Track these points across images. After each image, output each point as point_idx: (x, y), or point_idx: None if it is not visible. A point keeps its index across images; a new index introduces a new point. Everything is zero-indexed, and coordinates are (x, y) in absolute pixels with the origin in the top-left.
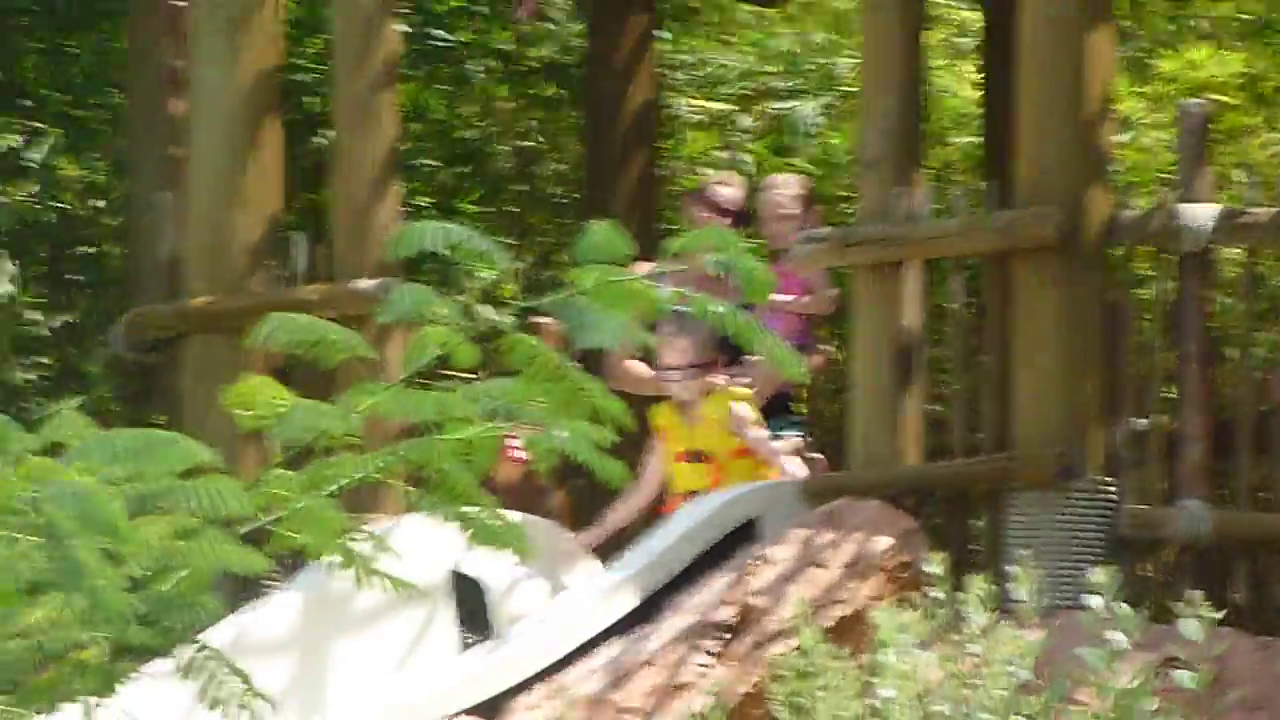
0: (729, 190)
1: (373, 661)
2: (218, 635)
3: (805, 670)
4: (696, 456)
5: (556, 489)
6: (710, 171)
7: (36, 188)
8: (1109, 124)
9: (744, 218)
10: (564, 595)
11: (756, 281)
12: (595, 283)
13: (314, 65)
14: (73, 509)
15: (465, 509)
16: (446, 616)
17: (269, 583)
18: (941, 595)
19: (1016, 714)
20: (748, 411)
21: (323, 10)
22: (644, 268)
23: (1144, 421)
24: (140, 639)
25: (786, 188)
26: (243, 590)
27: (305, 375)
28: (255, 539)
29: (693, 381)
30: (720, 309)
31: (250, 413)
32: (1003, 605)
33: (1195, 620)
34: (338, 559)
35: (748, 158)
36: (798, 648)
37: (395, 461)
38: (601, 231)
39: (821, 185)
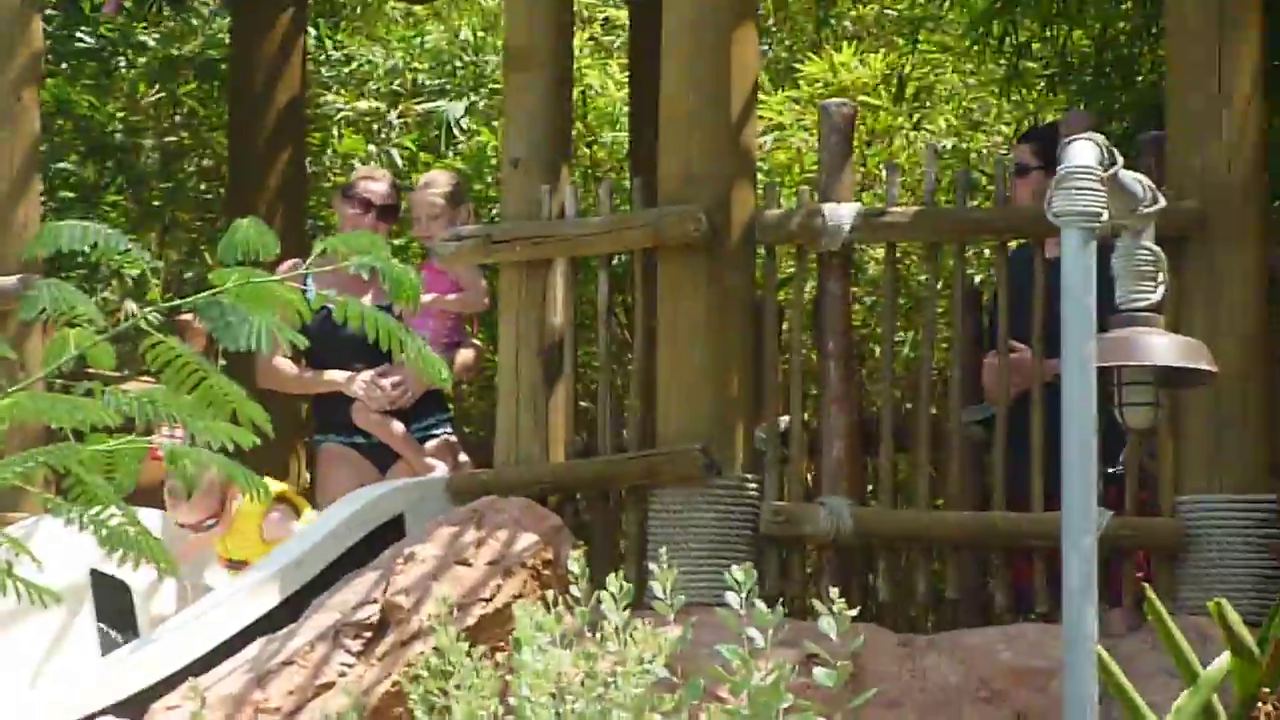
0: (377, 185)
1: (12, 661)
2: None
3: (442, 669)
4: (236, 565)
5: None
6: (358, 166)
7: None
8: (753, 124)
9: (392, 212)
10: (207, 594)
11: (403, 285)
12: (236, 283)
13: None
14: None
15: (103, 517)
16: (88, 616)
17: None
18: (581, 593)
19: (652, 711)
20: (283, 519)
21: None
22: (288, 265)
23: (787, 419)
24: None
25: (437, 185)
26: None
27: None
28: None
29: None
30: (364, 311)
31: None
32: (645, 603)
33: (832, 617)
34: None
35: (396, 154)
36: (436, 647)
37: (35, 468)
38: (246, 229)
39: (471, 183)
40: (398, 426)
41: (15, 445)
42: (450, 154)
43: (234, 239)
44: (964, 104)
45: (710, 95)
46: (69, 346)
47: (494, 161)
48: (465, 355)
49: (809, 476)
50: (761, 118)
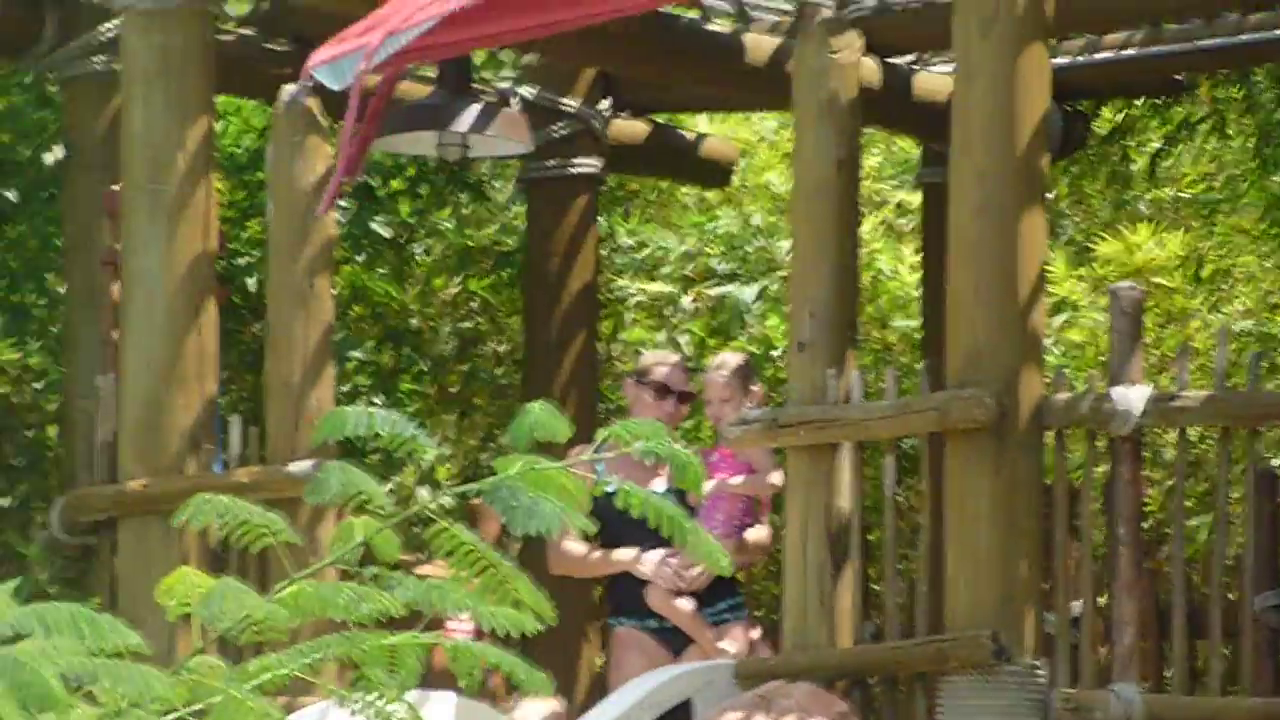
0: (667, 369)
1: None
2: None
3: None
4: None
5: (494, 668)
6: (644, 352)
7: None
8: (1041, 307)
9: (686, 397)
10: None
11: (687, 470)
12: (521, 469)
13: (252, 249)
14: (7, 677)
15: (387, 709)
16: None
17: None
18: None
19: None
20: None
21: (260, 195)
22: (575, 451)
23: (1079, 604)
24: None
25: (726, 366)
26: None
27: (243, 564)
28: None
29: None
30: (646, 497)
31: (175, 601)
32: None
33: None
34: None
35: (684, 340)
36: None
37: (321, 658)
38: (538, 412)
39: (761, 366)
40: (688, 607)
41: (309, 633)
42: (741, 338)
43: (525, 422)
44: (1261, 286)
45: (997, 278)
46: (355, 534)
47: (772, 345)
48: (758, 534)
49: (1100, 663)
50: (1054, 294)
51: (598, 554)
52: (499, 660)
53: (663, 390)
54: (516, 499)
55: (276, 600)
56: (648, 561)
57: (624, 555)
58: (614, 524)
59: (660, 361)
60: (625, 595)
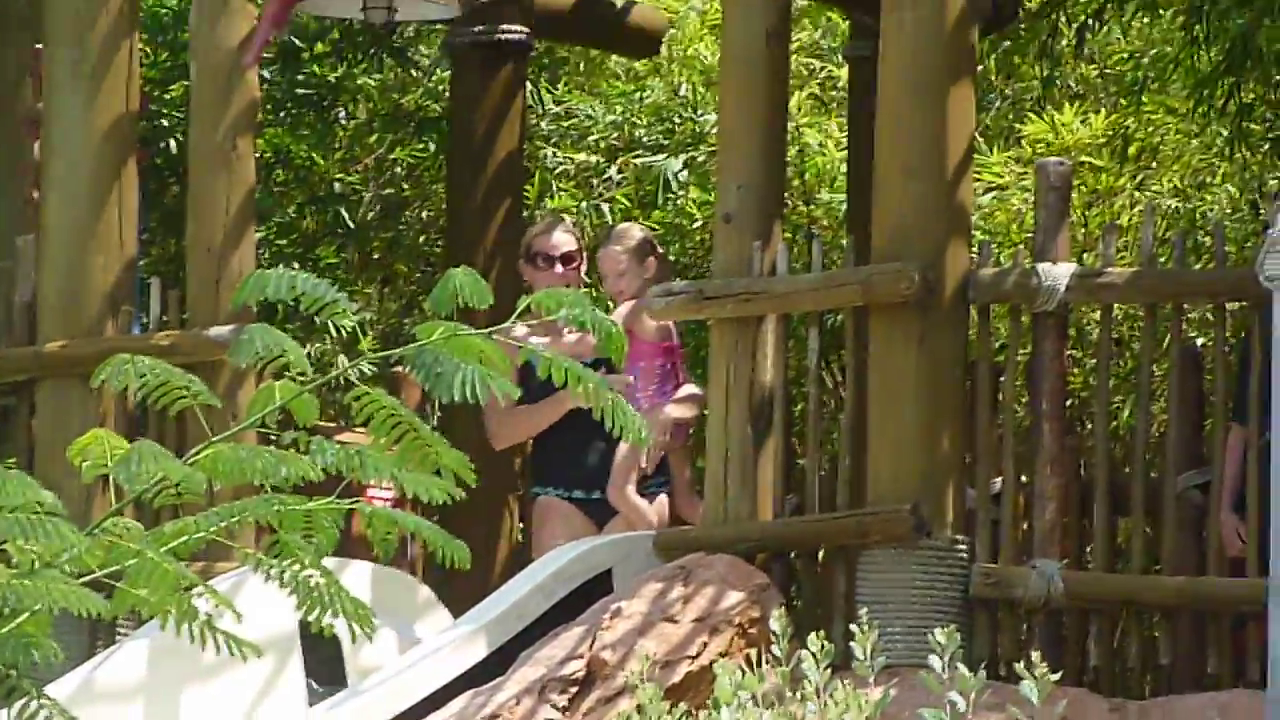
0: (542, 237)
1: (221, 710)
2: (66, 683)
3: None
4: None
5: (415, 537)
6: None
7: None
8: (969, 182)
9: (568, 258)
10: (415, 647)
11: (611, 338)
12: (442, 334)
13: (175, 111)
14: None
15: (301, 575)
16: (296, 666)
17: (122, 631)
18: (782, 652)
19: None
20: None
21: (184, 55)
22: (520, 330)
23: (999, 480)
24: None
25: (620, 240)
26: (95, 639)
27: (161, 427)
28: (99, 591)
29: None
30: (568, 366)
31: (90, 462)
32: (848, 664)
33: (1034, 681)
34: (176, 618)
35: (607, 209)
36: (638, 704)
37: (238, 521)
38: (460, 279)
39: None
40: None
41: (228, 499)
42: (668, 209)
43: (447, 289)
44: (1189, 165)
45: (925, 152)
46: (274, 397)
47: (699, 219)
48: (680, 410)
49: (1021, 539)
50: (981, 178)
51: (542, 403)
52: (416, 526)
53: (546, 259)
54: (439, 365)
55: (194, 463)
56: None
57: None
58: (534, 396)
59: (537, 232)
60: (551, 464)
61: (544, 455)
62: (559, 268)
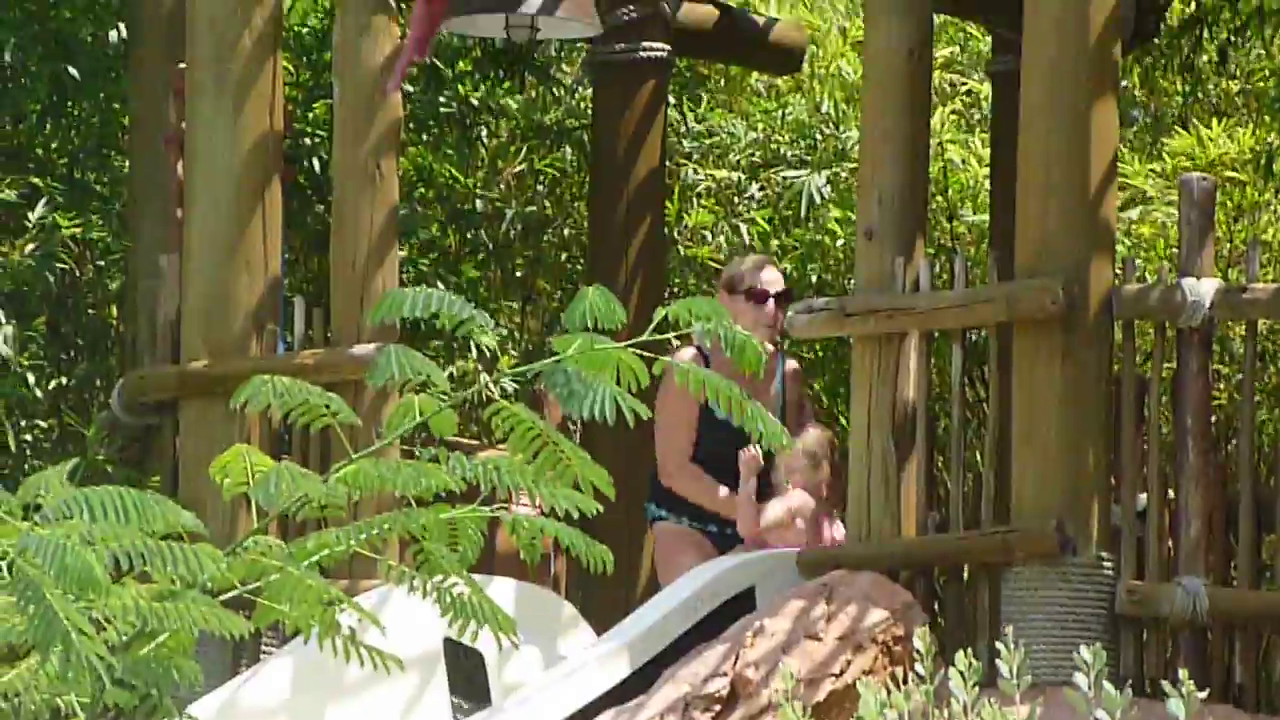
0: (770, 274)
1: None
2: (210, 702)
3: None
4: None
5: (559, 555)
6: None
7: (33, 246)
8: (1112, 197)
9: (784, 297)
10: (559, 664)
11: (746, 352)
12: (578, 348)
13: (318, 130)
14: (50, 563)
15: (445, 585)
16: (440, 685)
17: (267, 649)
18: (925, 670)
19: None
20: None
21: (327, 75)
22: (684, 355)
23: (1145, 497)
24: (117, 701)
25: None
26: (239, 657)
27: (305, 446)
28: (241, 608)
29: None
30: (706, 378)
31: (231, 479)
32: (993, 682)
33: (1180, 699)
34: (319, 631)
35: (744, 229)
36: None
37: (380, 535)
38: (592, 297)
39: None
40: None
41: (371, 514)
42: (808, 226)
43: (580, 307)
44: None
45: (1067, 168)
46: (413, 412)
47: (840, 237)
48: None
49: (1166, 556)
50: (1124, 191)
51: (712, 489)
52: (558, 532)
53: (759, 295)
54: (572, 381)
55: (336, 478)
56: (770, 515)
57: (731, 497)
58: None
59: (747, 267)
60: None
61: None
62: (771, 305)
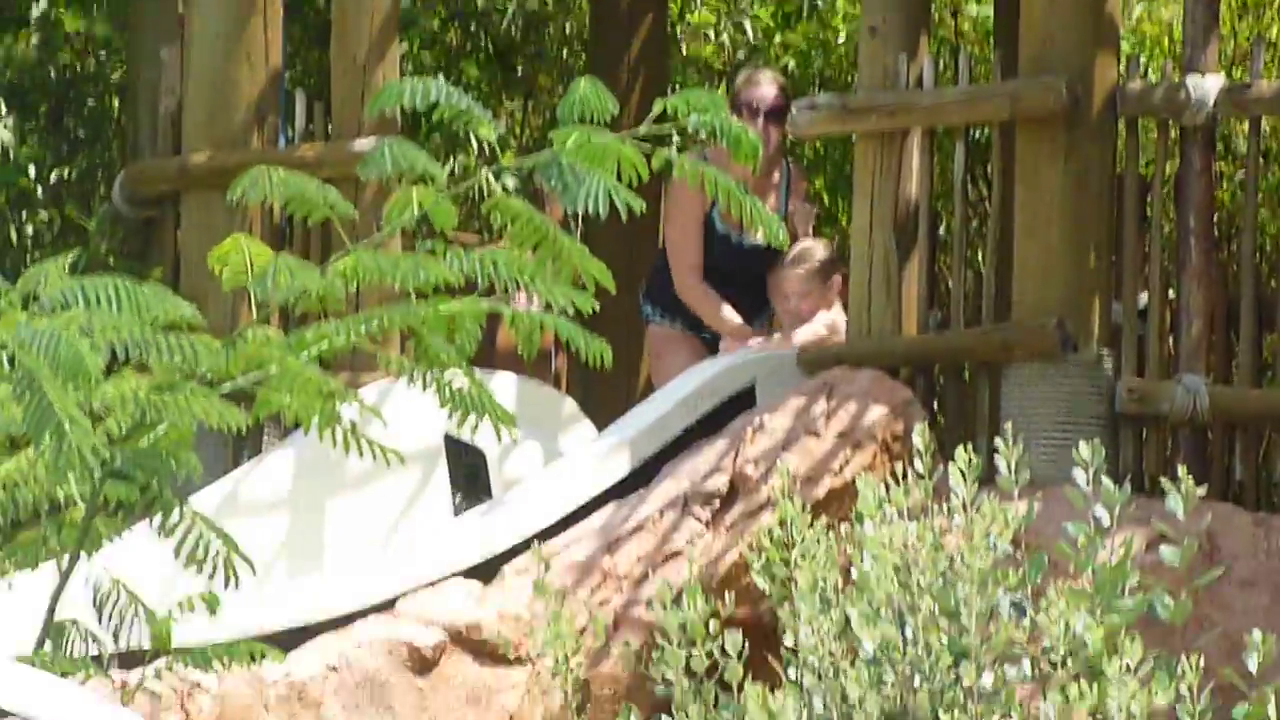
0: (763, 90)
1: (366, 523)
2: (210, 494)
3: (785, 540)
4: None
5: (559, 351)
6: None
7: (35, 39)
8: None
9: (781, 115)
10: (558, 460)
11: (741, 143)
12: (576, 140)
13: None
14: (45, 353)
15: (445, 379)
16: (441, 479)
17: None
18: (924, 467)
19: (996, 586)
20: None
21: None
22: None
23: (1145, 295)
24: (117, 494)
25: (808, 261)
26: (240, 451)
27: (305, 240)
28: (240, 400)
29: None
30: (705, 171)
31: (229, 269)
32: (991, 479)
33: (1179, 495)
34: (319, 423)
35: (748, 25)
36: (780, 518)
37: (379, 327)
38: (583, 89)
39: (825, 55)
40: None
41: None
42: (813, 22)
43: (571, 100)
44: None
45: None
46: (412, 204)
47: (843, 34)
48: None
49: (1167, 354)
50: None
51: (716, 307)
52: (556, 326)
53: (750, 110)
54: (566, 173)
55: (334, 270)
56: (756, 344)
57: (734, 321)
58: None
59: (744, 82)
60: (666, 290)
61: (665, 280)
62: (761, 120)
